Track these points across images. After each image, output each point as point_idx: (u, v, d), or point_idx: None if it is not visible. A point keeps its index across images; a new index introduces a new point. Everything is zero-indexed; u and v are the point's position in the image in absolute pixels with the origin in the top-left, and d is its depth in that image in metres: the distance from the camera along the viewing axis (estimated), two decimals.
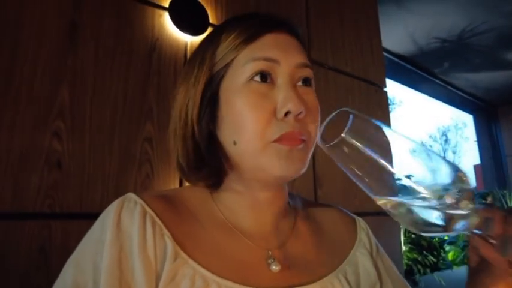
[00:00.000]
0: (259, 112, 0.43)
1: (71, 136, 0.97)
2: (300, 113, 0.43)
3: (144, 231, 0.42)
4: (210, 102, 0.47)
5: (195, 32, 1.29)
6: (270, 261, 0.46)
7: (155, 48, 1.18)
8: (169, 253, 0.42)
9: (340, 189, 1.61)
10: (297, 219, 0.54)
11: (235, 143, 0.45)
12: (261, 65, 0.44)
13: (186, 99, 0.48)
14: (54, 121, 0.95)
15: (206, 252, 0.45)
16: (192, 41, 1.28)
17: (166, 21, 1.23)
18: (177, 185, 1.13)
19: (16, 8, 0.95)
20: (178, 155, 0.50)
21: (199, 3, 1.32)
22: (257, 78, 0.44)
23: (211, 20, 1.33)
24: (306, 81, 0.48)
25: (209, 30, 1.33)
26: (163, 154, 1.12)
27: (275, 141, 0.43)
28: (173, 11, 1.25)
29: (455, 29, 3.50)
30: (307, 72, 0.48)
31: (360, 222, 0.60)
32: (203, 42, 0.51)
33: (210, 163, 0.48)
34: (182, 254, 0.43)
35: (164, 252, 0.42)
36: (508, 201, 4.80)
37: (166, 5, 1.24)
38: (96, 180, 0.98)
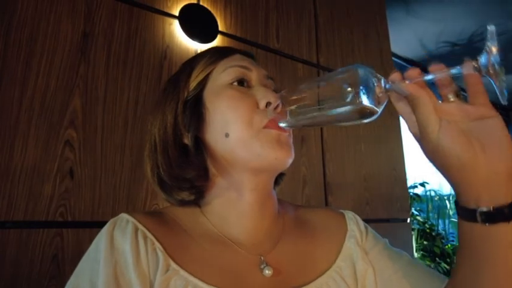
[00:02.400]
0: (244, 103, 0.48)
1: (83, 145, 0.97)
2: (278, 105, 0.48)
3: (137, 246, 0.44)
4: (192, 109, 0.50)
5: (204, 40, 1.30)
6: (262, 266, 0.47)
7: (166, 57, 1.19)
8: (161, 265, 0.43)
9: (351, 196, 1.59)
10: (287, 223, 0.55)
11: (227, 135, 0.47)
12: (238, 70, 0.51)
13: (164, 116, 0.51)
14: (67, 130, 0.96)
15: (197, 263, 0.46)
16: (201, 48, 1.28)
17: (176, 29, 1.24)
18: None
19: (31, 20, 0.97)
20: (160, 169, 0.50)
21: (209, 12, 1.33)
22: (236, 83, 0.50)
23: (220, 28, 1.34)
24: None
25: (218, 38, 1.33)
26: None
27: (264, 127, 0.47)
28: (183, 19, 1.26)
29: (465, 33, 3.46)
30: (273, 86, 0.53)
31: (348, 213, 0.60)
32: (176, 73, 0.56)
33: (196, 163, 0.50)
34: (173, 265, 0.44)
35: (156, 264, 0.44)
36: None
37: (176, 13, 1.25)
38: (107, 189, 0.98)
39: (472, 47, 3.68)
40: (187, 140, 0.50)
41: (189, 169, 0.50)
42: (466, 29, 3.41)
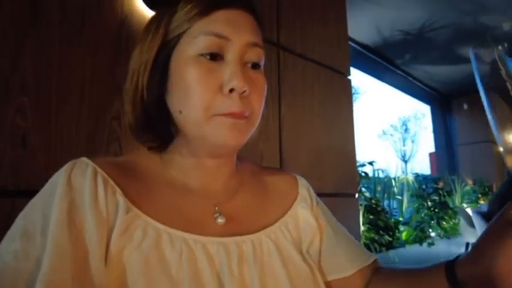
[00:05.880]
0: (206, 86, 0.45)
1: (36, 112, 0.94)
2: (244, 91, 0.46)
3: (95, 188, 0.44)
4: (162, 68, 0.49)
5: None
6: (216, 215, 0.50)
7: (124, 24, 1.16)
8: (122, 208, 0.45)
9: (304, 170, 1.68)
10: (245, 178, 0.59)
11: (181, 112, 0.48)
12: (211, 40, 0.46)
13: (139, 64, 0.50)
14: (18, 97, 0.91)
15: (157, 207, 0.48)
16: None
17: None
18: None
19: None
20: (129, 117, 0.52)
21: None
22: (207, 56, 0.46)
23: None
24: (255, 66, 0.50)
25: None
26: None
27: (219, 115, 0.46)
28: None
29: (417, 23, 3.67)
30: (257, 54, 0.49)
31: (301, 179, 0.66)
32: (161, 9, 0.52)
33: (157, 127, 0.51)
34: (134, 208, 0.46)
35: (116, 207, 0.45)
36: (457, 186, 5.21)
37: None
38: (62, 158, 0.96)
39: (422, 38, 3.92)
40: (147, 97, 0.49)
41: (152, 133, 0.52)
42: (418, 19, 3.62)
